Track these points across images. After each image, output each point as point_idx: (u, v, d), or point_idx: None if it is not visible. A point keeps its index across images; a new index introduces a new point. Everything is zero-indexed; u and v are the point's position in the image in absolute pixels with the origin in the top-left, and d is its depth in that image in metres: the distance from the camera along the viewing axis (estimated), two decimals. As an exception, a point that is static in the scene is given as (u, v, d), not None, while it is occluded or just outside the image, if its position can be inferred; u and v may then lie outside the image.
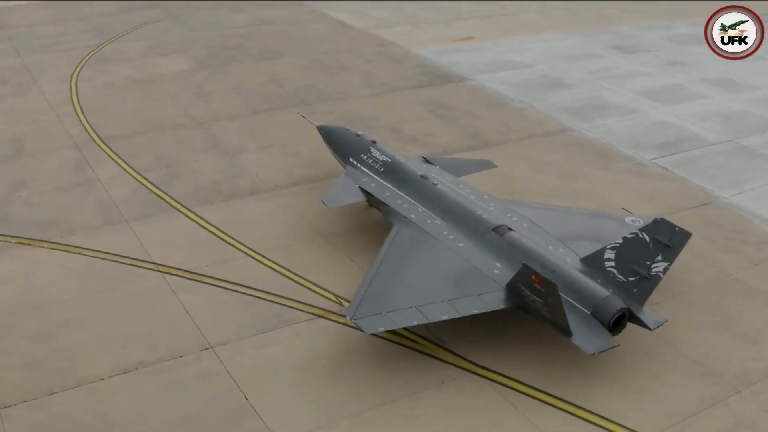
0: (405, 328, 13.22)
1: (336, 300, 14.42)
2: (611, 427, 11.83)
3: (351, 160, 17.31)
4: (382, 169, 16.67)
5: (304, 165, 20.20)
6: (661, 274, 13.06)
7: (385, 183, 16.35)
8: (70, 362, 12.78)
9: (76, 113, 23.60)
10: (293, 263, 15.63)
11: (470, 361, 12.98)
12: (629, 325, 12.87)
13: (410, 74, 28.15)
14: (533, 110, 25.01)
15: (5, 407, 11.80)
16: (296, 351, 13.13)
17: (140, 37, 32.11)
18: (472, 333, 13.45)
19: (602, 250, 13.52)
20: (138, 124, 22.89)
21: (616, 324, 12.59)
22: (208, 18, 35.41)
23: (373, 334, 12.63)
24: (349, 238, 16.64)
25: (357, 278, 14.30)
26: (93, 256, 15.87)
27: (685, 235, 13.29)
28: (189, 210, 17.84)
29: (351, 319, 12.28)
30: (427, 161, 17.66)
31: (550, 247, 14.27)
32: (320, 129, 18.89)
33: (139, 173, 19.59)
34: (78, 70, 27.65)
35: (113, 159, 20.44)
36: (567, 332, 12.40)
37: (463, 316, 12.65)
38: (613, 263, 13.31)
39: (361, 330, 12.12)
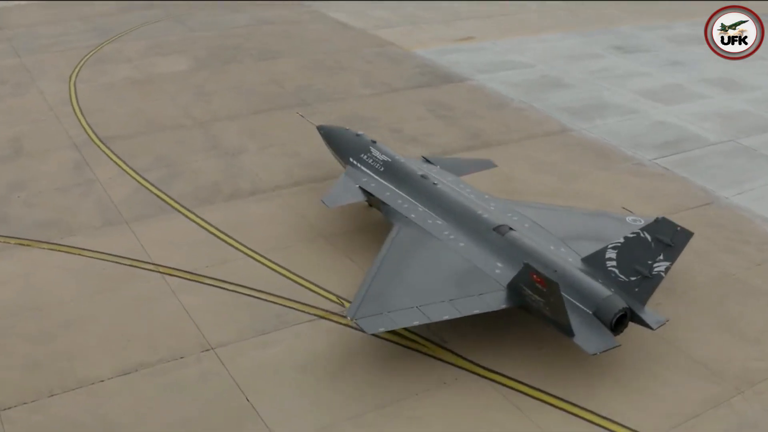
0: (406, 329, 13.19)
1: (338, 301, 14.38)
2: (613, 427, 11.79)
3: (351, 159, 17.27)
4: (382, 168, 16.63)
5: (305, 165, 20.16)
6: (662, 274, 13.03)
7: (385, 183, 16.32)
8: (70, 364, 12.73)
9: (75, 113, 23.55)
10: (293, 264, 15.59)
11: (472, 362, 12.94)
12: (631, 324, 12.84)
13: (410, 74, 28.12)
14: (533, 110, 24.97)
15: (5, 409, 11.75)
16: (297, 352, 13.09)
17: (140, 37, 32.06)
18: (473, 333, 13.41)
19: (603, 250, 13.49)
20: (138, 124, 22.83)
21: (617, 324, 12.56)
22: (208, 18, 35.37)
23: (374, 335, 12.59)
24: (349, 239, 16.60)
25: (358, 279, 14.26)
26: (93, 257, 15.83)
27: (687, 235, 13.27)
28: (189, 210, 17.79)
29: (352, 319, 12.24)
30: (428, 161, 17.63)
31: (552, 247, 14.24)
32: (320, 129, 18.85)
33: (138, 174, 19.54)
34: (77, 70, 27.59)
35: (113, 159, 20.39)
36: (569, 332, 12.36)
37: (465, 316, 12.61)
38: (614, 263, 13.28)
39: (362, 330, 12.07)
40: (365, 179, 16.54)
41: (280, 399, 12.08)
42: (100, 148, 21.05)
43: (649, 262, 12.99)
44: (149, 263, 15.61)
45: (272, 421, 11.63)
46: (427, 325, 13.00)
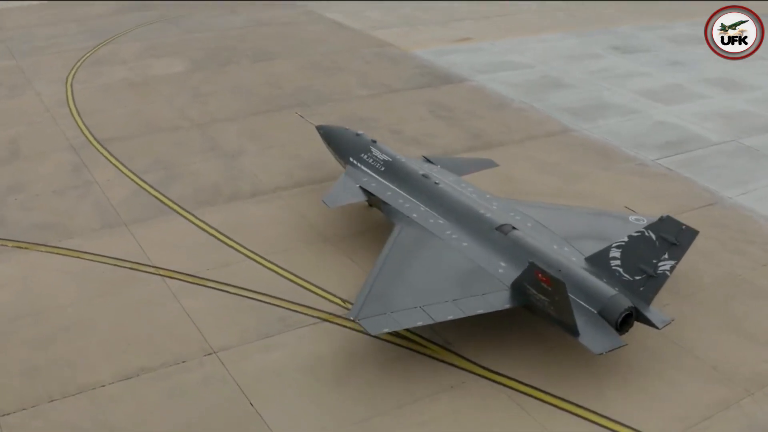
0: (409, 330, 13.04)
1: (342, 304, 14.20)
2: (621, 429, 11.65)
3: (351, 159, 17.14)
4: (382, 168, 16.50)
5: (305, 166, 19.99)
6: (668, 273, 12.92)
7: (386, 182, 16.20)
8: (70, 368, 12.54)
9: (72, 115, 23.36)
10: (295, 266, 15.43)
11: (477, 364, 12.79)
12: (636, 324, 12.72)
13: (409, 75, 27.99)
14: (534, 111, 24.85)
15: (4, 415, 11.55)
16: (301, 355, 12.92)
17: (135, 39, 31.86)
18: (477, 335, 13.28)
19: (607, 249, 13.39)
20: (135, 126, 22.65)
21: (623, 323, 12.47)
22: (203, 20, 35.19)
23: (378, 337, 12.42)
24: (350, 239, 16.44)
25: (360, 280, 14.09)
26: (92, 260, 15.64)
27: (692, 233, 13.16)
28: (189, 212, 17.61)
29: (355, 320, 12.08)
30: (428, 161, 17.52)
31: (555, 246, 14.14)
32: (319, 129, 18.70)
33: (137, 175, 19.36)
34: (73, 72, 27.39)
35: (110, 161, 20.20)
36: (574, 332, 12.24)
37: (469, 317, 12.48)
38: (618, 262, 13.19)
39: (366, 331, 11.92)
40: (366, 179, 16.41)
41: (284, 403, 11.91)
42: (98, 150, 20.85)
43: (654, 261, 12.88)
44: (149, 266, 15.42)
45: (277, 426, 11.46)
46: (431, 327, 12.85)
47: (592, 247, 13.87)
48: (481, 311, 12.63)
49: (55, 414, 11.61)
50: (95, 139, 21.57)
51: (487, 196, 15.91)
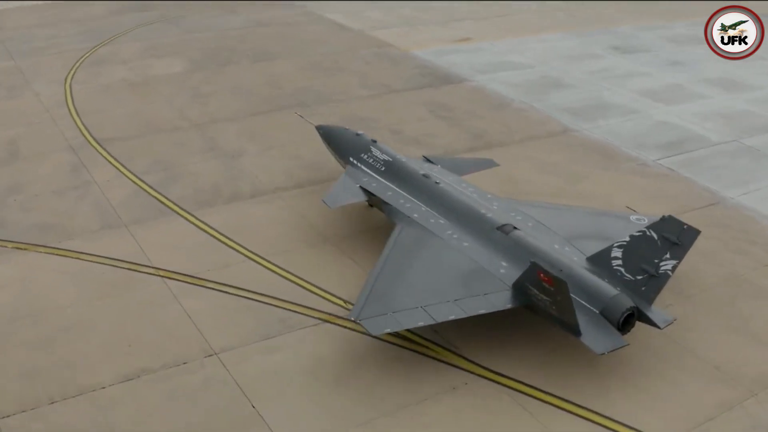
0: (411, 331, 12.98)
1: (343, 305, 14.14)
2: (624, 430, 11.60)
3: (351, 159, 17.09)
4: (383, 168, 16.46)
5: (305, 167, 19.94)
6: (669, 272, 12.88)
7: (386, 182, 16.16)
8: (71, 370, 12.47)
9: (72, 116, 23.29)
10: (296, 266, 15.37)
11: (479, 365, 12.74)
12: (638, 324, 12.67)
13: (409, 75, 27.94)
14: (534, 111, 24.81)
15: (4, 417, 11.49)
16: (302, 356, 12.87)
17: (134, 39, 31.80)
18: (479, 335, 13.22)
19: (609, 249, 13.35)
20: (134, 126, 22.59)
21: (625, 323, 12.42)
22: (202, 20, 35.12)
23: (379, 338, 12.36)
24: (351, 240, 16.39)
25: (361, 280, 14.01)
26: (91, 261, 15.58)
27: (694, 233, 13.13)
28: (189, 213, 17.55)
29: (356, 320, 12.03)
30: (429, 160, 17.48)
31: (556, 246, 14.10)
32: (319, 129, 18.65)
33: (136, 176, 19.30)
34: (72, 72, 27.33)
35: (110, 162, 20.14)
36: (576, 332, 12.19)
37: (470, 317, 12.42)
38: (620, 261, 13.15)
39: (367, 331, 11.87)
40: (366, 179, 16.36)
41: (286, 405, 11.85)
42: (97, 151, 20.79)
43: (656, 260, 12.84)
44: (149, 267, 15.36)
45: (278, 428, 11.40)
46: (433, 327, 12.80)
47: (594, 247, 13.83)
48: (482, 311, 12.58)
49: (55, 416, 11.55)
50: (95, 139, 21.51)
51: (488, 195, 15.87)
